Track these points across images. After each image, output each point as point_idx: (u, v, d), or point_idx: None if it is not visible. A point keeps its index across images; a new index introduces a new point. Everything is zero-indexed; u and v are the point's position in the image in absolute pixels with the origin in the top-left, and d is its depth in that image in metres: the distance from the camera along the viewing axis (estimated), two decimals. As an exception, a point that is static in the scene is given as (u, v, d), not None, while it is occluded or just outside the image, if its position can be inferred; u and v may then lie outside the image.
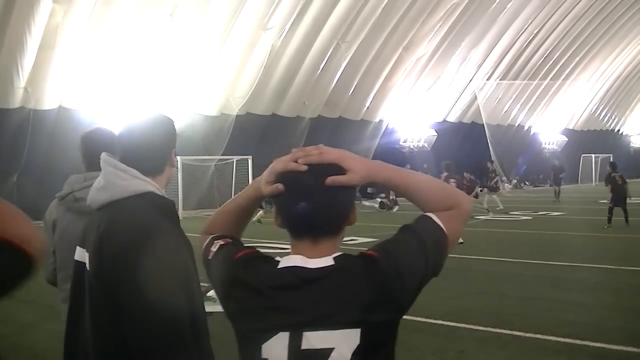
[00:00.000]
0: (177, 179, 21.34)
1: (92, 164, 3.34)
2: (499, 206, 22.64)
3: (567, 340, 6.15)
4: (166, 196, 2.13)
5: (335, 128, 28.08)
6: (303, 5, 22.87)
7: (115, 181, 2.05)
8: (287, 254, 1.55)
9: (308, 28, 23.88)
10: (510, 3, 30.55)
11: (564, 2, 32.74)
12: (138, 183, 2.04)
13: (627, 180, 17.24)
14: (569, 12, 33.95)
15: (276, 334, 1.43)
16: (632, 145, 53.27)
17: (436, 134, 34.70)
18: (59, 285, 3.36)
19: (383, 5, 25.15)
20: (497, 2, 29.92)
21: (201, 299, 2.01)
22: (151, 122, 2.17)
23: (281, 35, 23.34)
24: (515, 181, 39.24)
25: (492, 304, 7.87)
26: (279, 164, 1.55)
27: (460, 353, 5.97)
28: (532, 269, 10.48)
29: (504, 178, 29.53)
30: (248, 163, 24.42)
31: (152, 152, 2.13)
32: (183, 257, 1.95)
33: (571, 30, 35.55)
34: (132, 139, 2.13)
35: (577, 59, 38.41)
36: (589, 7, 34.18)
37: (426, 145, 34.51)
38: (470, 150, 35.41)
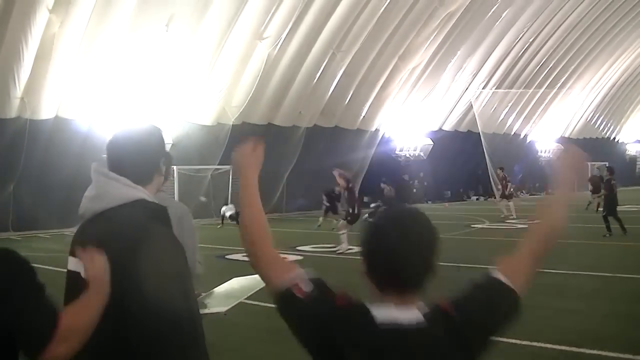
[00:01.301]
0: (173, 189, 21.33)
1: None
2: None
3: (564, 347, 6.15)
4: (157, 202, 2.18)
5: (331, 137, 28.08)
6: (299, 15, 22.93)
7: (109, 190, 2.10)
8: None
9: (304, 37, 23.94)
10: (506, 12, 30.69)
11: (559, 10, 32.90)
12: (130, 191, 2.10)
13: (623, 188, 17.16)
14: (564, 21, 34.11)
15: None
16: (627, 153, 53.39)
17: (432, 142, 34.74)
18: None
19: (379, 14, 25.24)
20: (492, 11, 30.06)
21: (195, 300, 2.05)
22: (140, 131, 2.23)
23: (277, 44, 23.39)
24: (512, 190, 39.19)
25: (489, 312, 7.86)
26: None
27: (457, 361, 5.95)
28: (528, 277, 10.46)
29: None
30: (244, 172, 24.40)
31: (141, 161, 2.18)
32: (179, 259, 2.00)
33: (566, 39, 35.70)
34: (121, 149, 2.18)
35: (573, 67, 38.54)
36: (583, 16, 34.35)
37: (422, 154, 34.53)
38: (466, 158, 35.51)
